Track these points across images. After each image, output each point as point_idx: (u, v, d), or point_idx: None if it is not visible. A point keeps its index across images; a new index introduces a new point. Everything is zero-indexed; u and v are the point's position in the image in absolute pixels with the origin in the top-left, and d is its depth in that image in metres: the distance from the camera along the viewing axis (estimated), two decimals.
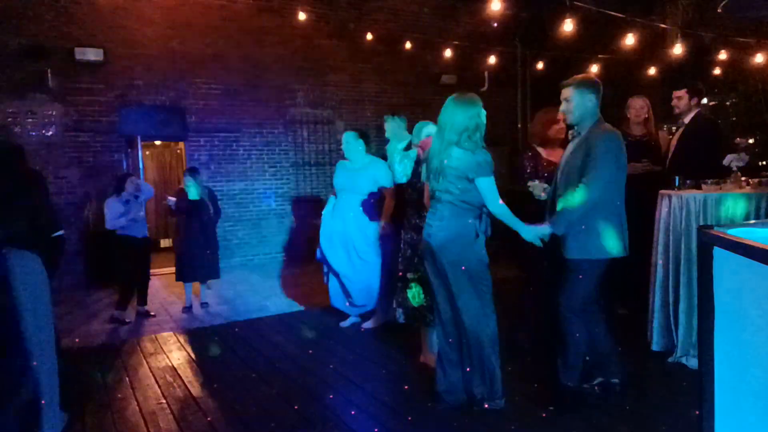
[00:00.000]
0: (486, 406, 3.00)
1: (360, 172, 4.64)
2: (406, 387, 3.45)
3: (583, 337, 2.99)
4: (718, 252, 1.44)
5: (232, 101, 8.08)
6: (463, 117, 2.87)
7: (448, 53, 8.67)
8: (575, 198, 2.84)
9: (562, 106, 2.99)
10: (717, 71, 7.86)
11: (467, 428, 2.90)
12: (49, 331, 2.78)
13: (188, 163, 7.84)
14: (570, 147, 3.07)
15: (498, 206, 2.88)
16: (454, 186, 2.89)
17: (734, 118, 8.06)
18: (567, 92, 2.95)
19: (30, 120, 6.83)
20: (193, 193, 5.51)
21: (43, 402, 2.65)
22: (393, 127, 4.87)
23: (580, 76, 3.00)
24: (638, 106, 4.57)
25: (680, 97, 4.29)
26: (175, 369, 3.99)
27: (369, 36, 8.40)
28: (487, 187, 2.86)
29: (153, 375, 3.88)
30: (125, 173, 6.17)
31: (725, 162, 3.92)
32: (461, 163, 2.85)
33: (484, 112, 2.95)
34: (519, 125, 10.34)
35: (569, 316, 2.96)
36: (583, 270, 2.91)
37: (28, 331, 2.63)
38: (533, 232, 2.90)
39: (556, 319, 3.03)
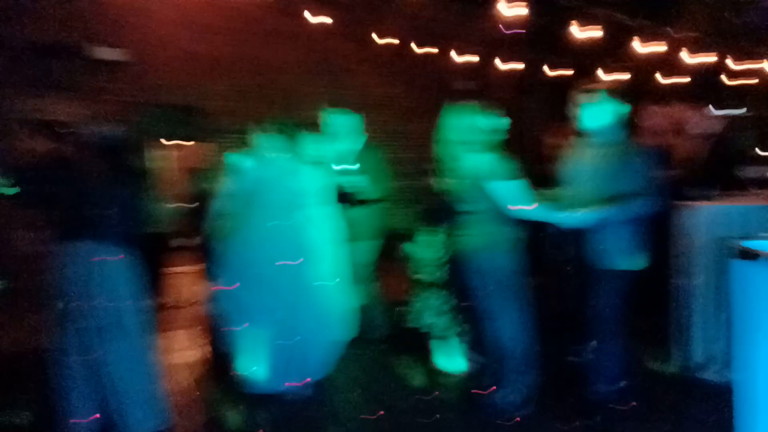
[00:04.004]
0: (498, 410, 2.97)
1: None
2: (415, 392, 3.42)
3: (619, 347, 2.94)
4: (740, 264, 1.42)
5: (246, 102, 8.10)
6: (471, 120, 2.90)
7: (461, 59, 8.66)
8: (627, 207, 2.80)
9: (574, 111, 2.96)
10: (733, 82, 7.80)
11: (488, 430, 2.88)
12: (139, 330, 2.86)
13: (201, 164, 7.87)
14: (585, 153, 3.03)
15: (518, 210, 2.84)
16: (482, 194, 2.89)
17: (751, 130, 7.98)
18: (583, 98, 2.93)
19: (48, 119, 6.88)
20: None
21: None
22: (349, 124, 4.30)
23: (598, 83, 3.03)
24: (657, 116, 4.53)
25: (686, 109, 4.27)
26: (182, 364, 3.99)
27: (383, 40, 8.41)
28: (508, 192, 2.84)
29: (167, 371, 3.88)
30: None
31: (744, 174, 3.87)
32: (486, 171, 2.86)
33: (498, 118, 2.96)
34: (531, 132, 10.29)
35: (608, 327, 2.91)
36: (622, 280, 2.89)
37: (115, 328, 2.73)
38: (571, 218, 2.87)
39: (591, 332, 2.98)
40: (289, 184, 3.47)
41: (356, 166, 4.08)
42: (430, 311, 3.65)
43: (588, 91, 2.95)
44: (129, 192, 2.88)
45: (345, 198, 4.07)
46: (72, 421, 2.68)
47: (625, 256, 2.89)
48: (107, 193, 2.78)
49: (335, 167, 4.04)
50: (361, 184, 3.99)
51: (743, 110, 8.03)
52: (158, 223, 5.53)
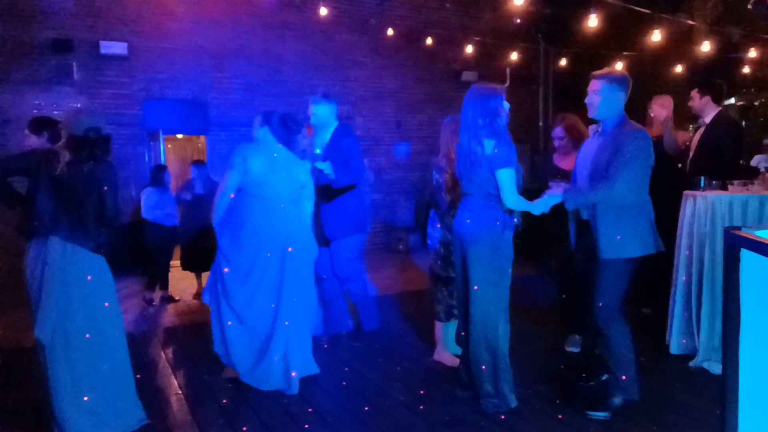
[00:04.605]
0: (492, 403, 2.97)
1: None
2: (419, 384, 3.43)
3: (627, 342, 2.89)
4: (745, 254, 1.40)
5: (253, 96, 8.13)
6: (484, 103, 2.87)
7: (469, 49, 8.61)
8: (599, 191, 2.79)
9: (587, 98, 2.91)
10: (746, 70, 7.67)
11: (482, 428, 2.87)
12: (113, 330, 2.83)
13: (209, 157, 7.91)
14: (594, 144, 3.00)
15: (513, 200, 2.84)
16: (479, 178, 2.89)
17: (762, 119, 7.87)
18: (595, 85, 2.87)
19: (55, 112, 6.94)
20: (198, 186, 5.69)
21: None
22: (326, 112, 4.04)
23: (610, 69, 2.92)
24: (666, 104, 4.48)
25: (692, 97, 4.22)
26: (191, 360, 4.03)
27: (390, 31, 8.38)
28: (504, 179, 2.83)
29: (170, 366, 3.92)
30: (160, 165, 6.32)
31: (753, 163, 3.82)
32: (485, 155, 2.84)
33: (506, 104, 2.94)
34: (540, 123, 10.24)
35: (609, 321, 2.87)
36: (617, 270, 2.85)
37: (82, 327, 2.68)
38: (542, 203, 2.88)
39: (593, 327, 2.97)
40: (293, 176, 3.47)
41: (332, 155, 3.91)
42: (442, 301, 3.65)
43: (595, 78, 2.88)
44: (106, 187, 2.80)
45: (322, 189, 3.93)
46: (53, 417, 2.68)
47: (625, 245, 2.83)
48: (84, 188, 2.72)
49: (316, 156, 3.92)
50: (335, 172, 3.79)
51: (757, 98, 7.90)
52: (159, 218, 5.63)
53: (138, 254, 6.00)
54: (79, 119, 2.82)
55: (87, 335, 2.70)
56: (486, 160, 2.85)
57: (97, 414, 2.71)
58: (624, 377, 2.87)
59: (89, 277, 2.72)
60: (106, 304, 2.78)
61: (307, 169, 3.63)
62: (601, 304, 2.88)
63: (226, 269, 3.36)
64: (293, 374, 3.33)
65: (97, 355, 2.74)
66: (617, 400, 2.89)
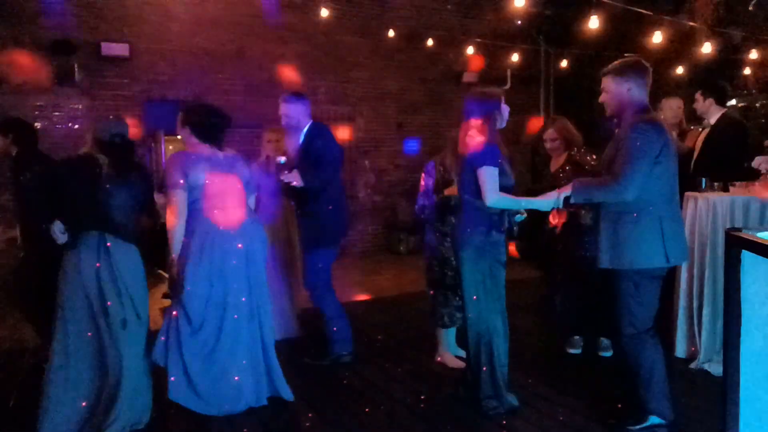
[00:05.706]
0: (492, 404, 2.97)
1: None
2: (420, 385, 3.43)
3: (655, 365, 2.66)
4: (746, 255, 1.40)
5: (254, 97, 8.13)
6: (479, 108, 2.87)
7: (470, 51, 8.61)
8: (608, 190, 2.56)
9: (601, 97, 2.78)
10: (747, 71, 7.67)
11: (482, 429, 2.87)
12: (143, 321, 2.97)
13: None
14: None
15: (493, 199, 2.77)
16: (466, 179, 2.89)
17: (764, 120, 7.86)
18: (602, 82, 2.75)
19: (57, 114, 6.96)
20: None
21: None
22: (297, 112, 3.80)
23: (618, 61, 2.74)
24: (675, 107, 4.46)
25: (696, 99, 4.21)
26: None
27: (391, 33, 8.39)
28: (485, 178, 2.77)
29: None
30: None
31: (754, 164, 3.81)
32: (470, 156, 2.84)
33: (505, 107, 2.92)
34: (542, 124, 10.23)
35: (626, 341, 2.67)
36: (622, 283, 2.63)
37: (126, 318, 2.84)
38: (550, 201, 2.72)
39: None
40: (237, 174, 3.18)
41: (304, 158, 3.64)
42: (445, 305, 3.64)
43: (602, 75, 2.77)
44: (137, 185, 2.98)
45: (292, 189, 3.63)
46: (62, 412, 2.72)
47: (622, 254, 2.60)
48: (117, 187, 2.86)
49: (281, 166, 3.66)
50: (302, 177, 3.48)
51: (758, 99, 7.90)
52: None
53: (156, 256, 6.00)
54: (106, 125, 2.97)
55: (138, 327, 2.92)
56: (469, 161, 2.84)
57: (125, 405, 2.80)
58: (654, 400, 2.70)
59: (138, 271, 2.95)
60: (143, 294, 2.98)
61: (245, 163, 3.32)
62: (618, 326, 2.68)
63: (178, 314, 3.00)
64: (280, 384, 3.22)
65: (140, 346, 2.94)
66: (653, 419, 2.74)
